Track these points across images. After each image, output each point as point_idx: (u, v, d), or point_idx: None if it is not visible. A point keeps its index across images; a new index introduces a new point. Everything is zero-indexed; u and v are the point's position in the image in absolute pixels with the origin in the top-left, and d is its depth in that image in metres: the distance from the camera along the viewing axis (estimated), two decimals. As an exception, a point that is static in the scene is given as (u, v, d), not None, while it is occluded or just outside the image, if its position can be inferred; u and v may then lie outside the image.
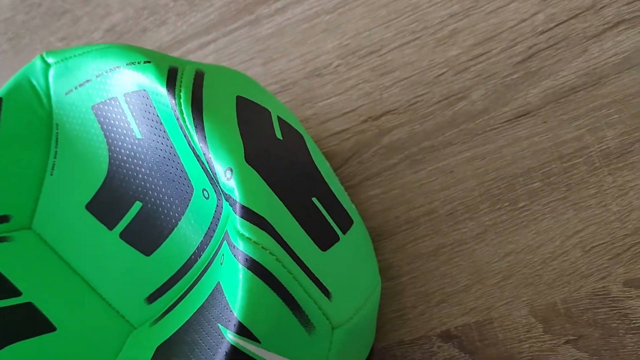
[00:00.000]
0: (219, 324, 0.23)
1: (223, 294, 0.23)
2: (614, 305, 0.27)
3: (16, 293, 0.29)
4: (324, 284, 0.25)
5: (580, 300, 0.28)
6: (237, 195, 0.23)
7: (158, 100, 0.26)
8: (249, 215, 0.23)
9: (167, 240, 0.29)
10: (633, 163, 0.28)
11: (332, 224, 0.27)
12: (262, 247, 0.23)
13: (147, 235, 0.29)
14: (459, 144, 0.31)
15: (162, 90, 0.25)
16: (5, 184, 0.31)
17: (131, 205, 0.29)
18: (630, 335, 0.27)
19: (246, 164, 0.23)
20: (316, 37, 0.35)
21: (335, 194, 0.29)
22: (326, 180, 0.29)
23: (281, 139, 0.27)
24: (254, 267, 0.22)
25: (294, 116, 0.31)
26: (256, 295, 0.22)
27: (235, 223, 0.23)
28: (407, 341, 0.31)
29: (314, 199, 0.27)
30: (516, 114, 0.31)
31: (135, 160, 0.29)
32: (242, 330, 0.22)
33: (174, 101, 0.25)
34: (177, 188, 0.28)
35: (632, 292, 0.27)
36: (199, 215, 0.27)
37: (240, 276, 0.22)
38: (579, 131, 0.29)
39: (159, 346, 0.26)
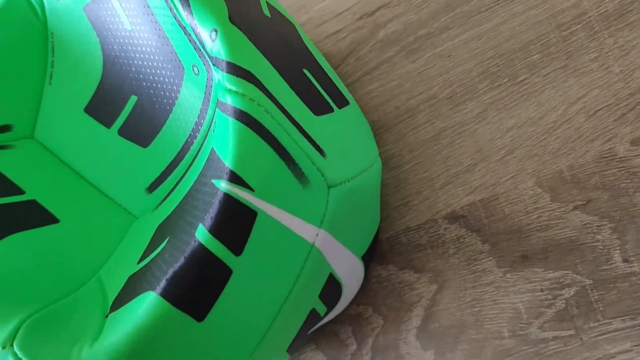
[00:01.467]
0: (212, 181, 0.22)
1: (216, 154, 0.23)
2: (621, 165, 0.27)
3: (19, 192, 0.29)
4: (317, 143, 0.24)
5: (586, 165, 0.27)
6: (222, 53, 0.23)
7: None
8: (234, 70, 0.23)
9: (163, 128, 0.29)
10: (633, 22, 0.27)
11: (324, 96, 0.27)
12: (250, 99, 0.22)
13: (144, 127, 0.29)
14: (455, 28, 0.31)
15: None
16: (5, 95, 0.31)
17: (127, 101, 0.29)
18: (640, 192, 0.26)
19: (230, 23, 0.23)
20: None
21: (328, 74, 0.29)
22: (318, 61, 0.29)
23: (269, 16, 0.27)
24: (242, 117, 0.22)
25: (284, 10, 0.31)
26: (246, 143, 0.22)
27: (222, 82, 0.23)
28: (414, 227, 0.30)
29: (305, 71, 0.27)
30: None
31: (128, 54, 0.29)
32: (234, 178, 0.22)
33: None
34: (169, 73, 0.28)
35: (629, 146, 0.26)
36: (191, 96, 0.27)
37: (230, 128, 0.22)
38: (574, 1, 0.29)
39: (159, 225, 0.26)
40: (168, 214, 0.27)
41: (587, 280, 0.27)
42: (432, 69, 0.32)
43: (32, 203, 0.29)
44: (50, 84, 0.32)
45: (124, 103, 0.30)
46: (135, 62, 0.29)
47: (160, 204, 0.28)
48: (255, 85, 0.23)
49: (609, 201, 0.27)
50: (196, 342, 0.23)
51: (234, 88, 0.23)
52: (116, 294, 0.25)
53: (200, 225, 0.22)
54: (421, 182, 0.31)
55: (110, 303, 0.25)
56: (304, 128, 0.24)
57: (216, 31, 0.24)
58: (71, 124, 0.31)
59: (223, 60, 0.23)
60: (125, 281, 0.25)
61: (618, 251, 0.27)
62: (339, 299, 0.29)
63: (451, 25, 0.32)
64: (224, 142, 0.23)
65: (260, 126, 0.22)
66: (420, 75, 0.32)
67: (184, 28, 0.26)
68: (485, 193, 0.30)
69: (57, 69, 0.32)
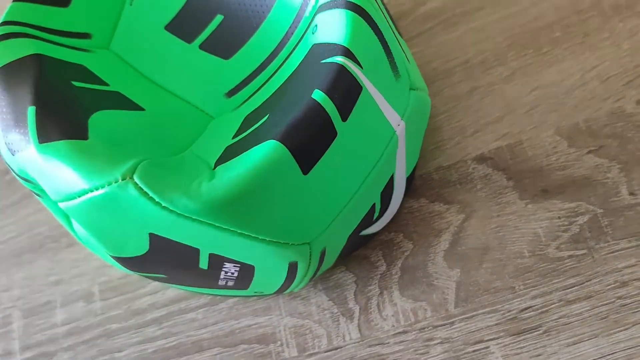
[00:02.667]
0: (320, 61, 0.27)
1: (321, 45, 0.27)
2: (628, 119, 0.33)
3: (104, 83, 0.32)
4: (403, 49, 0.29)
5: (599, 119, 0.33)
6: None
7: None
8: None
9: (247, 43, 0.32)
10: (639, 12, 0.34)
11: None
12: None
13: (226, 42, 0.33)
14: (489, 7, 0.37)
15: None
16: (88, 8, 0.34)
17: (212, 19, 0.33)
18: (644, 139, 0.32)
19: None
20: None
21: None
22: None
23: None
24: (355, 8, 0.27)
25: None
26: (359, 28, 0.26)
27: None
28: (445, 166, 0.35)
29: None
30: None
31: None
32: (348, 54, 0.26)
33: None
34: (261, -3, 0.32)
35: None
36: (282, 14, 0.31)
37: (344, 17, 0.26)
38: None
39: (247, 115, 0.30)
40: (255, 107, 0.30)
41: (598, 209, 0.32)
42: (467, 40, 0.37)
43: (117, 94, 0.32)
44: (130, 4, 0.35)
45: (209, 21, 0.34)
46: None
47: (241, 105, 0.32)
48: None
49: (618, 147, 0.33)
50: (298, 192, 0.26)
51: (347, -8, 0.28)
52: (216, 158, 0.28)
53: (317, 89, 0.26)
54: (454, 130, 0.36)
55: (213, 162, 0.28)
56: (395, 33, 0.29)
57: None
58: (149, 39, 0.35)
59: None
60: (223, 150, 0.28)
61: (625, 186, 0.32)
62: (387, 206, 0.32)
63: (485, 5, 0.38)
64: (336, 29, 0.27)
65: (369, 17, 0.27)
66: (456, 44, 0.38)
67: None
68: (511, 139, 0.35)
69: (138, -8, 0.35)
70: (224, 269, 0.30)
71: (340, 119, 0.26)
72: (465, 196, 0.35)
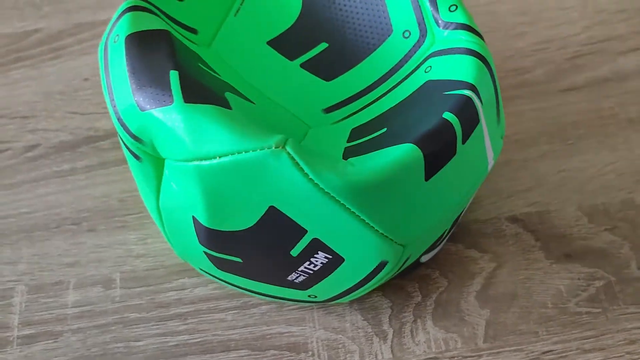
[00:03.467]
0: (444, 92, 0.31)
1: (441, 80, 0.32)
2: (638, 209, 0.40)
3: (217, 74, 0.34)
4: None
5: (614, 205, 0.40)
6: (460, 19, 0.33)
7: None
8: (469, 29, 0.33)
9: (349, 71, 0.36)
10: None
11: None
12: (480, 45, 0.32)
13: (327, 67, 0.37)
14: (525, 98, 0.44)
15: None
16: (200, 8, 0.37)
17: (317, 45, 0.37)
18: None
19: (463, 4, 0.34)
20: None
21: None
22: None
23: None
24: (477, 55, 0.32)
25: None
26: (481, 71, 0.32)
27: (454, 36, 0.33)
28: (482, 220, 0.40)
29: None
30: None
31: (330, 13, 0.37)
32: (474, 89, 0.31)
33: None
34: (370, 32, 0.36)
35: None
36: (390, 53, 0.36)
37: (470, 60, 0.31)
38: (609, 105, 0.43)
39: (354, 127, 0.33)
40: (365, 121, 0.34)
41: (612, 277, 0.38)
42: (506, 120, 0.43)
43: (229, 84, 0.34)
44: (235, 15, 0.39)
45: (313, 46, 0.38)
46: (336, 16, 0.37)
47: (341, 120, 0.35)
48: (483, 40, 0.33)
49: (629, 230, 0.40)
50: (416, 194, 0.30)
51: (470, 39, 0.33)
52: (341, 154, 0.31)
53: (447, 112, 0.30)
54: (491, 191, 0.41)
55: (340, 156, 0.31)
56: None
57: (456, 6, 0.34)
58: (249, 49, 0.38)
59: (460, 23, 0.33)
60: (343, 150, 0.31)
61: (634, 262, 0.38)
62: (446, 237, 0.36)
63: (523, 96, 0.44)
64: (462, 69, 0.32)
65: (488, 64, 0.32)
66: (496, 122, 0.43)
67: (415, 1, 0.35)
68: (540, 207, 0.41)
69: (245, 7, 0.39)
70: (312, 259, 0.32)
71: (461, 141, 0.31)
72: (497, 248, 0.40)
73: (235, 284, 0.37)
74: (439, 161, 0.30)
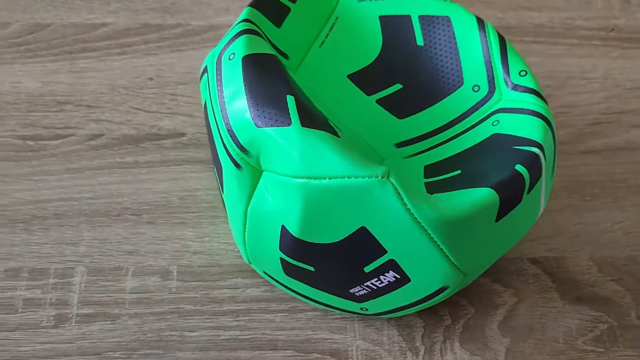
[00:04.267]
0: (514, 147, 0.36)
1: (509, 135, 0.37)
2: (636, 267, 0.45)
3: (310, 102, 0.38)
4: None
5: (621, 259, 0.46)
6: (530, 84, 0.38)
7: (461, 26, 0.41)
8: (537, 93, 0.38)
9: (421, 113, 0.41)
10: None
11: None
12: (545, 109, 0.37)
13: (401, 106, 0.41)
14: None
15: (472, 23, 0.40)
16: (291, 36, 0.41)
17: (392, 85, 0.42)
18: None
19: (532, 71, 0.39)
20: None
21: None
22: None
23: None
24: (544, 118, 0.37)
25: None
26: (546, 132, 0.36)
27: (522, 98, 0.38)
28: (507, 258, 0.45)
29: None
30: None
31: (407, 58, 0.42)
32: (541, 148, 0.35)
33: (483, 33, 0.40)
34: (443, 81, 0.41)
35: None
36: (459, 102, 0.40)
37: (535, 122, 0.36)
38: (621, 171, 0.48)
39: (427, 165, 0.38)
40: (436, 161, 0.38)
41: (615, 322, 0.43)
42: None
43: (321, 112, 0.38)
44: (320, 47, 0.43)
45: (388, 85, 0.42)
46: (412, 65, 0.42)
47: (413, 155, 0.39)
48: (544, 102, 0.38)
49: (632, 282, 0.45)
50: (486, 231, 0.34)
51: (537, 102, 0.38)
52: (422, 187, 0.35)
53: (519, 164, 0.35)
54: (516, 233, 0.46)
55: (423, 190, 0.35)
56: None
57: (526, 72, 0.39)
58: (330, 79, 0.42)
59: (528, 87, 0.38)
60: (424, 184, 0.36)
61: (634, 311, 0.44)
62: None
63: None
64: (527, 128, 0.37)
65: (551, 126, 0.37)
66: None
67: (489, 62, 0.40)
68: (557, 254, 0.46)
69: (330, 40, 0.43)
70: (382, 276, 0.36)
71: (527, 191, 0.35)
72: (519, 285, 0.44)
73: (293, 288, 0.40)
74: (509, 206, 0.35)
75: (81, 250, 0.44)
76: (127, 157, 0.47)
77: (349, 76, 0.42)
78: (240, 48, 0.36)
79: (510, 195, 0.34)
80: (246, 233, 0.38)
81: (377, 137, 0.40)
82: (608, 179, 0.50)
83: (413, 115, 0.41)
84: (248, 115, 0.34)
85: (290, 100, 0.34)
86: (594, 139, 0.52)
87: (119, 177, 0.47)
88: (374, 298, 0.38)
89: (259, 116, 0.34)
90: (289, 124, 0.33)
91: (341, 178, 0.32)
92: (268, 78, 0.35)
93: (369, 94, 0.42)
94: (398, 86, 0.42)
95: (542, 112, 0.38)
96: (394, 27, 0.43)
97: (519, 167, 0.35)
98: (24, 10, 0.54)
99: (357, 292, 0.38)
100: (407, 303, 0.38)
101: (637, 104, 0.54)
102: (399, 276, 0.36)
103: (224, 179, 0.38)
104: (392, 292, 0.37)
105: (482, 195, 0.34)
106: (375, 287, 0.37)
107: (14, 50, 0.52)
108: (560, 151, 0.51)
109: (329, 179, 0.33)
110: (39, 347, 0.40)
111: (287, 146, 0.33)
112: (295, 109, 0.34)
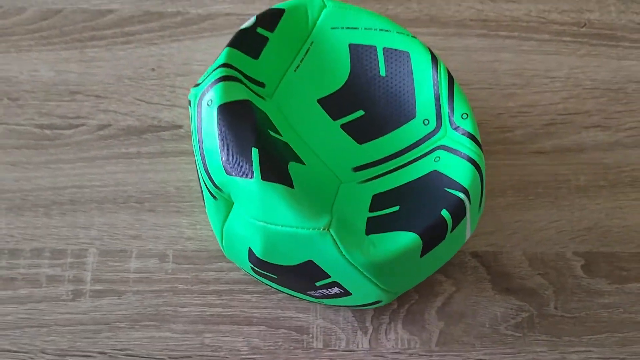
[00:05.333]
0: (445, 189, 0.42)
1: (444, 175, 0.43)
2: (565, 261, 0.53)
3: (279, 133, 0.44)
4: None
5: (549, 255, 0.54)
6: (468, 128, 0.43)
7: (418, 62, 0.45)
8: (473, 138, 0.43)
9: (377, 140, 0.47)
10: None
11: None
12: (479, 155, 0.43)
13: (361, 132, 0.47)
14: (502, 154, 0.55)
15: (427, 61, 0.45)
16: (269, 64, 0.46)
17: (355, 111, 0.47)
18: (572, 278, 0.52)
19: (473, 116, 0.44)
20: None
21: None
22: None
23: None
24: (475, 164, 0.43)
25: None
26: (474, 177, 0.42)
27: (460, 140, 0.43)
28: (451, 252, 0.52)
29: None
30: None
31: (371, 86, 0.47)
32: (467, 194, 0.42)
33: (435, 71, 0.45)
34: (399, 111, 0.46)
35: (577, 259, 0.52)
36: (410, 133, 0.46)
37: (466, 167, 0.42)
38: (565, 172, 0.54)
39: (375, 195, 0.44)
40: (383, 191, 0.45)
41: (535, 311, 0.52)
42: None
43: (288, 145, 0.44)
44: (295, 71, 0.48)
45: (352, 111, 0.48)
46: (374, 94, 0.47)
47: (366, 181, 0.46)
48: (481, 149, 0.44)
49: (556, 277, 0.53)
50: (412, 265, 0.42)
51: (472, 148, 0.44)
52: (364, 224, 0.42)
53: (445, 209, 0.41)
54: (462, 229, 0.53)
55: (363, 228, 0.42)
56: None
57: (467, 115, 0.44)
58: (302, 104, 0.48)
59: (467, 131, 0.44)
60: (366, 219, 0.42)
61: (553, 302, 0.52)
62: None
63: (500, 152, 0.55)
64: (457, 173, 0.43)
65: (480, 172, 0.43)
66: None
67: (438, 99, 0.45)
68: (495, 248, 0.53)
69: (304, 64, 0.48)
70: (329, 289, 0.44)
71: (450, 230, 0.42)
72: (459, 276, 0.52)
73: (263, 282, 0.49)
74: (432, 246, 0.42)
75: (93, 234, 0.52)
76: (131, 148, 0.54)
77: (319, 100, 0.48)
78: (216, 96, 0.42)
79: (434, 238, 0.42)
80: (223, 242, 0.46)
81: (339, 161, 0.47)
82: (552, 179, 0.56)
83: (371, 141, 0.47)
84: (220, 161, 0.41)
85: (255, 153, 0.41)
86: (546, 140, 0.57)
87: (124, 166, 0.54)
88: (326, 299, 0.46)
89: (229, 163, 0.41)
90: (252, 176, 0.40)
91: (290, 227, 0.40)
92: (238, 129, 0.41)
93: (335, 119, 0.48)
94: (360, 112, 0.48)
95: (475, 158, 0.44)
96: (361, 55, 0.48)
97: (444, 213, 0.42)
98: (36, -6, 0.59)
99: (313, 294, 0.46)
100: (352, 305, 0.46)
101: (592, 105, 0.58)
102: (342, 291, 0.44)
103: (204, 198, 0.45)
104: (339, 299, 0.45)
105: (408, 241, 0.41)
106: (326, 294, 0.45)
107: (30, 37, 0.57)
108: (513, 151, 0.57)
109: (282, 226, 0.40)
110: (59, 317, 0.50)
111: (250, 195, 0.40)
112: (258, 163, 0.40)
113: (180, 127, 0.55)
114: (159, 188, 0.54)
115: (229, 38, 0.58)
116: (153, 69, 0.57)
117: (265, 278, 0.47)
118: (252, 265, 0.45)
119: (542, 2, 0.61)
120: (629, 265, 0.54)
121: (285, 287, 0.47)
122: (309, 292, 0.46)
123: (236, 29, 0.58)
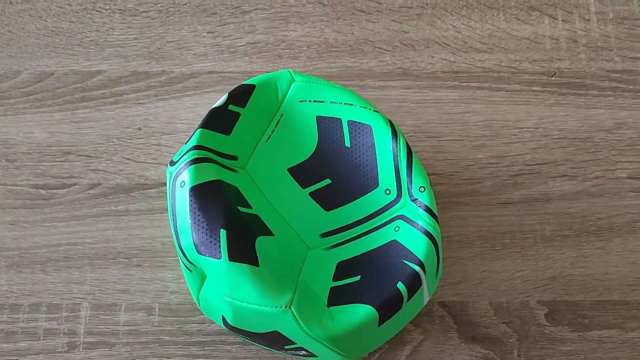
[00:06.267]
0: (402, 260, 0.45)
1: (402, 246, 0.46)
2: (529, 310, 0.56)
3: (249, 206, 0.48)
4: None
5: (514, 304, 0.56)
6: (425, 201, 0.46)
7: (379, 135, 0.48)
8: (430, 212, 0.46)
9: (343, 207, 0.50)
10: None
11: None
12: (436, 230, 0.46)
13: (328, 199, 0.50)
14: (472, 205, 0.58)
15: (388, 135, 0.48)
16: (241, 137, 0.49)
17: (322, 180, 0.50)
18: (535, 327, 0.55)
19: (431, 189, 0.47)
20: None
21: None
22: None
23: None
24: (431, 237, 0.46)
25: None
26: (430, 250, 0.46)
27: (418, 212, 0.46)
28: (420, 302, 0.55)
29: None
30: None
31: (337, 157, 0.50)
32: (422, 267, 0.45)
33: (395, 145, 0.48)
34: (363, 181, 0.50)
35: (540, 308, 0.55)
36: (373, 201, 0.49)
37: (422, 240, 0.45)
38: (531, 222, 0.57)
39: (339, 262, 0.48)
40: (347, 258, 0.48)
41: (498, 359, 0.55)
42: (453, 222, 0.58)
43: (258, 218, 0.48)
44: (266, 142, 0.51)
45: (319, 180, 0.51)
46: (339, 163, 0.50)
47: (333, 247, 0.49)
48: (438, 223, 0.47)
49: (520, 325, 0.56)
50: (370, 334, 0.45)
51: (429, 221, 0.47)
52: (327, 295, 0.45)
53: (401, 282, 0.45)
54: (431, 279, 0.56)
55: (325, 299, 0.45)
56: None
57: (425, 188, 0.47)
58: (273, 173, 0.51)
59: (424, 204, 0.47)
60: (329, 290, 0.46)
61: (516, 350, 0.55)
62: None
63: (470, 203, 0.58)
64: (414, 244, 0.46)
65: (436, 244, 0.46)
66: (445, 223, 0.58)
67: (397, 171, 0.48)
68: (462, 298, 0.56)
69: (275, 135, 0.51)
70: (298, 351, 0.48)
71: (406, 300, 0.46)
72: (427, 325, 0.56)
73: (243, 338, 0.53)
74: (389, 316, 0.45)
75: (85, 289, 0.56)
76: (120, 206, 0.58)
77: (289, 169, 0.51)
78: (188, 178, 0.46)
79: (390, 309, 0.45)
80: (200, 305, 0.50)
81: (307, 227, 0.50)
82: (518, 230, 0.59)
83: (337, 209, 0.51)
84: (191, 241, 0.45)
85: (223, 234, 0.44)
86: (514, 190, 0.60)
87: (113, 224, 0.58)
88: (297, 356, 0.50)
89: (199, 244, 0.44)
90: (220, 257, 0.44)
91: (255, 305, 0.43)
92: (209, 211, 0.45)
93: (304, 187, 0.51)
94: (327, 181, 0.51)
95: (431, 231, 0.47)
96: (328, 127, 0.51)
97: (400, 285, 0.45)
98: (30, 57, 0.62)
99: (284, 352, 0.50)
100: (322, 363, 0.51)
101: (559, 155, 0.61)
102: (308, 353, 0.47)
103: (181, 265, 0.49)
104: (308, 358, 0.49)
105: (365, 314, 0.44)
106: (295, 354, 0.49)
107: (25, 100, 0.61)
108: (481, 202, 0.59)
109: (247, 303, 0.44)
110: (56, 368, 0.54)
111: (219, 273, 0.44)
112: (226, 244, 0.44)
113: (165, 184, 0.59)
114: (145, 244, 0.57)
115: (211, 96, 0.61)
116: (140, 128, 0.61)
117: (241, 336, 0.51)
118: (226, 328, 0.49)
119: (513, 51, 0.64)
120: (590, 313, 0.56)
121: (260, 345, 0.51)
122: (280, 352, 0.50)
123: (218, 87, 0.61)
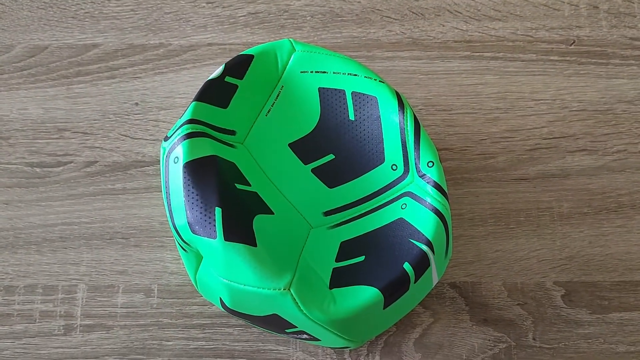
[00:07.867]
0: (409, 239, 0.43)
1: (409, 224, 0.44)
2: (545, 291, 0.54)
3: (248, 184, 0.45)
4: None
5: (529, 285, 0.54)
6: (434, 176, 0.44)
7: (385, 107, 0.46)
8: (439, 188, 0.44)
9: (348, 184, 0.48)
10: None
11: None
12: (445, 207, 0.44)
13: (332, 176, 0.48)
14: (485, 181, 0.55)
15: (394, 107, 0.45)
16: (239, 111, 0.47)
17: (325, 155, 0.48)
18: (552, 309, 0.53)
19: (441, 164, 0.45)
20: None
21: None
22: None
23: None
24: (440, 215, 0.43)
25: None
26: (439, 229, 0.43)
27: (426, 189, 0.44)
28: (430, 283, 0.53)
29: None
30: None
31: (340, 131, 0.47)
32: (430, 246, 0.43)
33: (402, 117, 0.45)
34: (368, 155, 0.47)
35: (557, 289, 0.53)
36: (379, 178, 0.47)
37: (431, 218, 0.43)
38: (548, 199, 0.54)
39: (343, 242, 0.45)
40: (351, 238, 0.46)
41: (512, 342, 0.53)
42: (465, 199, 0.55)
43: (257, 195, 0.46)
44: (266, 115, 0.49)
45: (323, 155, 0.49)
46: (343, 138, 0.48)
47: (336, 226, 0.47)
48: (447, 200, 0.44)
49: (535, 307, 0.54)
50: (375, 317, 0.43)
51: (437, 197, 0.44)
52: (329, 276, 0.43)
53: (407, 262, 0.42)
54: (441, 260, 0.54)
55: (327, 281, 0.43)
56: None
57: (433, 163, 0.45)
58: (273, 148, 0.49)
59: (433, 180, 0.44)
60: (332, 271, 0.44)
61: (532, 333, 0.53)
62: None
63: (484, 179, 0.56)
64: (422, 223, 0.44)
65: (445, 222, 0.44)
66: (457, 200, 0.55)
67: (404, 145, 0.46)
68: (474, 279, 0.54)
69: (275, 108, 0.49)
70: (299, 335, 0.46)
71: (413, 282, 0.43)
72: (437, 307, 0.54)
73: (243, 321, 0.51)
74: (395, 298, 0.43)
75: (82, 270, 0.55)
76: (117, 184, 0.57)
77: (290, 145, 0.49)
78: (182, 154, 0.44)
79: (396, 291, 0.43)
80: (198, 287, 0.48)
81: (309, 205, 0.48)
82: (534, 207, 0.56)
83: (341, 186, 0.48)
84: (186, 220, 0.43)
85: (218, 212, 0.42)
86: (530, 166, 0.57)
87: (110, 202, 0.56)
88: (299, 340, 0.48)
89: (193, 223, 0.42)
90: (215, 237, 0.42)
91: (252, 287, 0.41)
92: (203, 188, 0.43)
93: (305, 163, 0.49)
94: (331, 156, 0.49)
95: (440, 208, 0.44)
96: (331, 99, 0.48)
97: (406, 266, 0.43)
98: (23, 31, 0.61)
99: (286, 335, 0.48)
100: (324, 346, 0.48)
101: (578, 128, 0.58)
102: (310, 336, 0.46)
103: (177, 246, 0.47)
104: (311, 342, 0.47)
105: (369, 296, 0.42)
106: (297, 338, 0.47)
107: (19, 75, 0.59)
108: (495, 178, 0.57)
109: (244, 285, 0.42)
110: (52, 351, 0.53)
111: (214, 254, 0.42)
112: (221, 223, 0.42)
113: (164, 161, 0.57)
114: (143, 223, 0.56)
115: (211, 69, 0.59)
116: (137, 104, 0.59)
117: (241, 319, 0.49)
118: (225, 310, 0.47)
119: (529, 19, 0.61)
120: (610, 294, 0.54)
121: (261, 328, 0.49)
122: (281, 334, 0.48)
123: (218, 59, 0.59)
